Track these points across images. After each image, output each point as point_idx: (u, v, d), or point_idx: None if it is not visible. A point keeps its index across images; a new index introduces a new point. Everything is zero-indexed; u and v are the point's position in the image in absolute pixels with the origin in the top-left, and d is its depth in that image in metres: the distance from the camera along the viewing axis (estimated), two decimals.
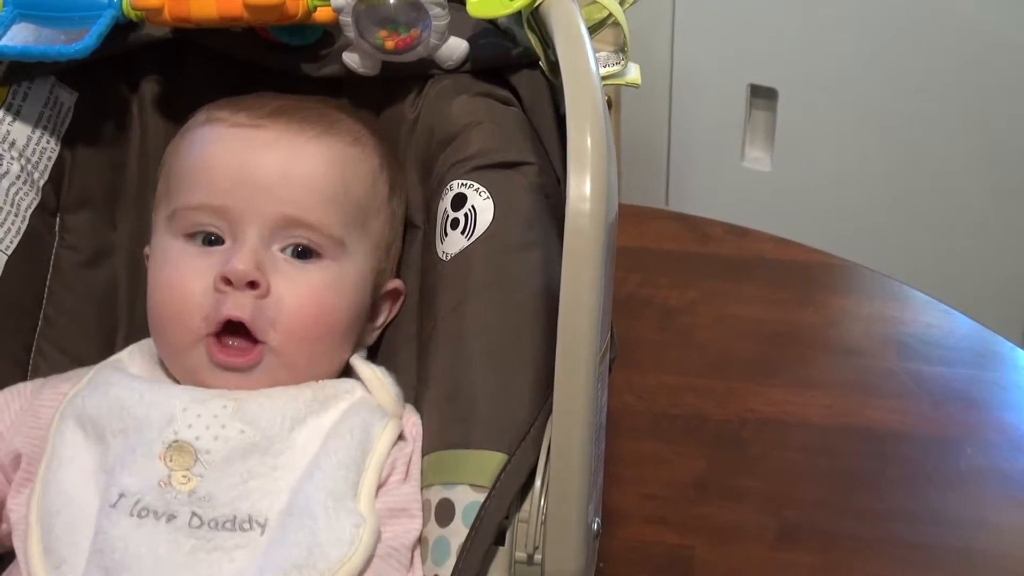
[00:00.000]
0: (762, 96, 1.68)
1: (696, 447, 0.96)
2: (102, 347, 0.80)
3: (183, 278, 0.72)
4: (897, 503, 0.90)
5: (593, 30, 0.71)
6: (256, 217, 0.72)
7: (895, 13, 1.54)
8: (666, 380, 1.02)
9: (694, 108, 1.73)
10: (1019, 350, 1.04)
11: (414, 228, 0.81)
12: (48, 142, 0.79)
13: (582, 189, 0.60)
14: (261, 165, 0.73)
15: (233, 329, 0.71)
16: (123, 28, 0.75)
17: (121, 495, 0.66)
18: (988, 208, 1.62)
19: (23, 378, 0.77)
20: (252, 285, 0.70)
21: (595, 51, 0.69)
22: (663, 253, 1.17)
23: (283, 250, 0.73)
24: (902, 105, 1.59)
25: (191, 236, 0.73)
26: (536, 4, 0.68)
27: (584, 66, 0.64)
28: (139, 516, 0.65)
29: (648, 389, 1.01)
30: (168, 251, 0.74)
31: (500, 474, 0.63)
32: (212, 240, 0.73)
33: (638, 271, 1.13)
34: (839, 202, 1.68)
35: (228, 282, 0.70)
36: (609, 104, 1.77)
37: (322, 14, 0.73)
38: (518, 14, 0.69)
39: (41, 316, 0.79)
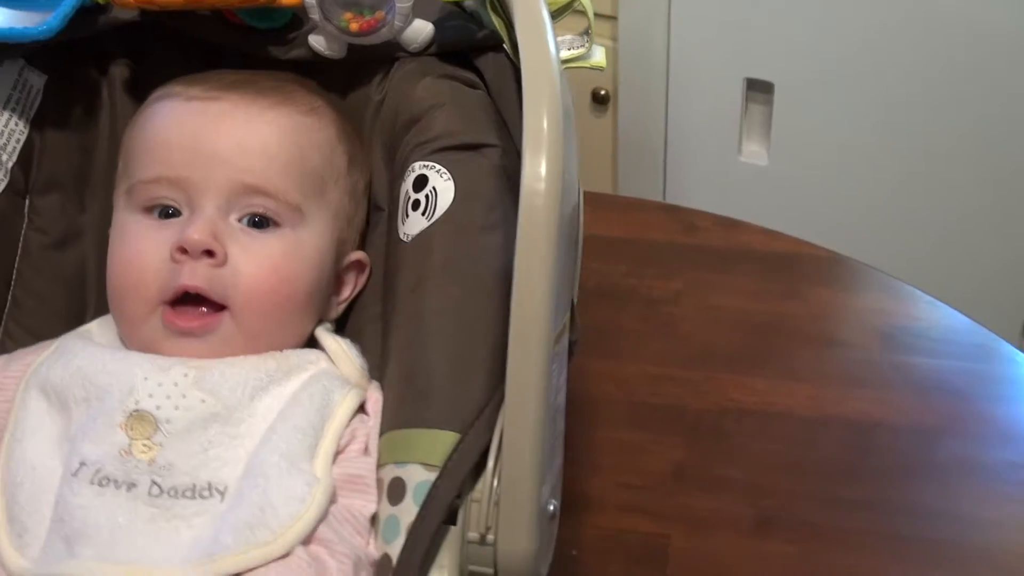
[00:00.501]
0: (758, 90, 1.68)
1: (675, 437, 0.96)
2: (71, 328, 0.79)
3: (140, 250, 0.73)
4: (877, 494, 0.90)
5: (557, 14, 0.71)
6: (212, 187, 0.72)
7: (892, 5, 1.53)
8: (647, 370, 1.02)
9: (691, 102, 1.73)
10: (1004, 342, 1.04)
11: (379, 211, 0.81)
12: (17, 124, 0.79)
13: (537, 169, 0.60)
14: (216, 135, 0.73)
15: (190, 300, 0.71)
16: (90, 11, 0.75)
17: (82, 464, 0.66)
18: (985, 202, 1.61)
19: None
20: (208, 254, 0.71)
21: (559, 35, 0.70)
22: (649, 243, 1.17)
23: (240, 219, 0.73)
24: (899, 98, 1.59)
25: (148, 210, 0.74)
26: None
27: (542, 48, 0.64)
28: (100, 485, 0.65)
29: (628, 378, 1.01)
30: (126, 225, 0.75)
31: (452, 453, 0.63)
32: (169, 213, 0.73)
33: (623, 261, 1.14)
34: (837, 196, 1.67)
35: (184, 251, 0.71)
36: (607, 98, 1.79)
37: None
38: None
39: (9, 298, 0.79)
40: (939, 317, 1.07)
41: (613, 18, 1.75)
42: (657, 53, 1.71)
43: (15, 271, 0.80)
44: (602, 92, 1.82)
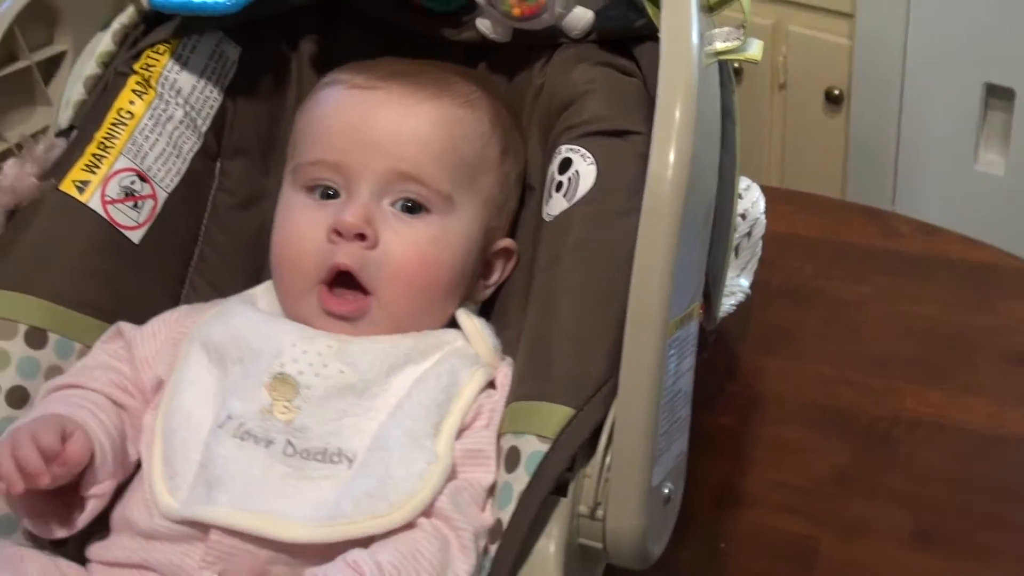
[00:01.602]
0: (999, 96, 1.61)
1: (841, 441, 0.95)
2: (248, 285, 0.84)
3: (300, 228, 0.76)
4: None
5: (716, 7, 0.71)
6: (369, 172, 0.75)
7: None
8: (823, 372, 1.01)
9: (927, 106, 1.67)
10: None
11: (531, 190, 0.82)
12: (212, 92, 0.84)
13: (665, 157, 0.62)
14: (375, 123, 0.76)
15: (343, 279, 0.74)
16: None
17: (228, 417, 0.70)
18: None
19: (172, 307, 0.81)
20: (360, 237, 0.74)
21: (717, 27, 0.70)
22: (843, 245, 1.15)
23: (393, 204, 0.75)
24: None
25: (310, 189, 0.77)
26: None
27: (684, 38, 0.64)
28: (241, 439, 0.69)
29: (802, 379, 1.01)
30: (289, 202, 0.78)
31: (565, 428, 0.64)
32: (329, 194, 0.76)
33: (813, 261, 1.13)
34: None
35: (339, 233, 0.74)
36: (840, 98, 1.75)
37: None
38: None
39: (196, 252, 0.84)
40: None
41: (851, 16, 1.71)
42: (894, 53, 1.66)
43: (203, 228, 0.84)
44: (836, 92, 1.78)
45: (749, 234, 1.01)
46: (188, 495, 0.68)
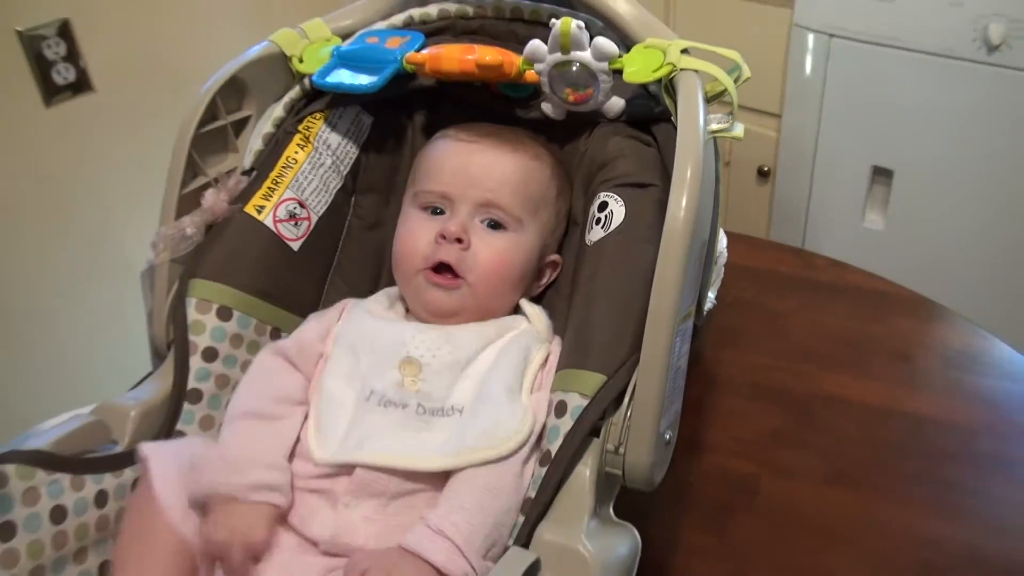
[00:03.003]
0: (881, 174, 1.61)
1: (776, 409, 0.94)
2: (370, 285, 0.85)
3: (416, 232, 0.77)
4: (924, 469, 0.86)
5: (712, 99, 0.71)
6: (467, 199, 0.76)
7: (991, 118, 1.45)
8: (762, 361, 1.01)
9: (830, 180, 1.67)
10: None
11: (575, 224, 0.83)
12: (351, 147, 0.84)
13: (679, 204, 0.62)
14: (472, 165, 0.76)
15: (443, 269, 0.75)
16: (404, 78, 0.79)
17: (371, 392, 0.70)
18: None
19: (318, 300, 0.82)
20: (459, 241, 0.74)
21: (712, 112, 0.70)
22: (776, 273, 1.15)
23: (482, 221, 0.76)
24: (993, 188, 1.50)
25: (424, 208, 0.78)
26: (671, 76, 0.69)
27: (694, 124, 0.64)
28: (383, 406, 0.69)
29: (748, 366, 1.00)
30: (409, 215, 0.79)
31: (600, 389, 0.64)
32: (437, 211, 0.77)
33: (757, 284, 1.12)
34: (931, 254, 1.58)
35: (444, 237, 0.74)
36: (768, 173, 1.75)
37: (529, 75, 0.75)
38: (660, 81, 0.70)
39: (336, 259, 0.84)
40: (990, 347, 1.01)
41: (779, 116, 1.72)
42: (808, 143, 1.66)
43: (341, 242, 0.85)
44: (765, 168, 1.79)
45: (715, 263, 1.01)
46: (338, 447, 0.67)
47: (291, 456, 0.69)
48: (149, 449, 0.66)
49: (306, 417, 0.71)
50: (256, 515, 0.64)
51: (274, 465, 0.67)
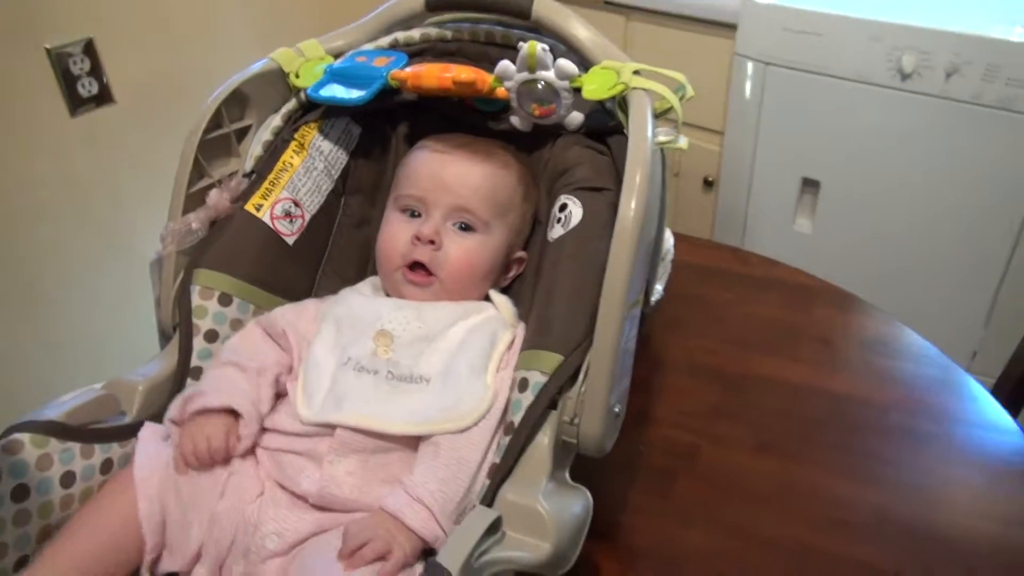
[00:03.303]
0: (810, 185, 1.62)
1: (714, 387, 0.95)
2: (359, 275, 0.84)
3: (395, 233, 0.76)
4: (841, 440, 0.87)
5: (659, 115, 0.71)
6: (440, 204, 0.75)
7: (905, 137, 1.47)
8: (703, 345, 1.01)
9: (765, 190, 1.68)
10: (944, 355, 0.98)
11: (539, 223, 0.82)
12: (341, 154, 0.83)
13: (628, 205, 0.62)
14: (446, 174, 0.76)
15: (418, 266, 0.74)
16: (389, 92, 0.78)
17: (348, 359, 0.69)
18: (954, 267, 1.51)
19: (311, 288, 0.81)
20: (431, 242, 0.74)
21: (658, 126, 0.70)
22: (716, 268, 1.15)
23: (453, 224, 0.75)
24: (906, 197, 1.51)
25: (403, 210, 0.77)
26: (624, 93, 0.69)
27: (643, 136, 0.64)
28: (357, 371, 0.68)
29: (691, 349, 1.00)
30: (390, 218, 0.78)
31: (558, 368, 0.64)
32: (414, 214, 0.76)
33: (699, 278, 1.12)
34: (854, 254, 1.59)
35: (419, 239, 0.74)
36: (712, 183, 1.76)
37: (500, 92, 0.75)
38: (614, 98, 0.70)
39: (327, 253, 0.83)
40: (902, 335, 1.02)
41: (721, 133, 1.72)
42: (746, 157, 1.67)
43: (332, 238, 0.84)
44: (710, 179, 1.79)
45: (664, 259, 1.01)
46: (320, 408, 0.67)
47: (279, 417, 0.69)
48: (145, 429, 0.65)
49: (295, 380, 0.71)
50: (216, 425, 0.65)
51: (237, 392, 0.68)
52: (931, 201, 1.48)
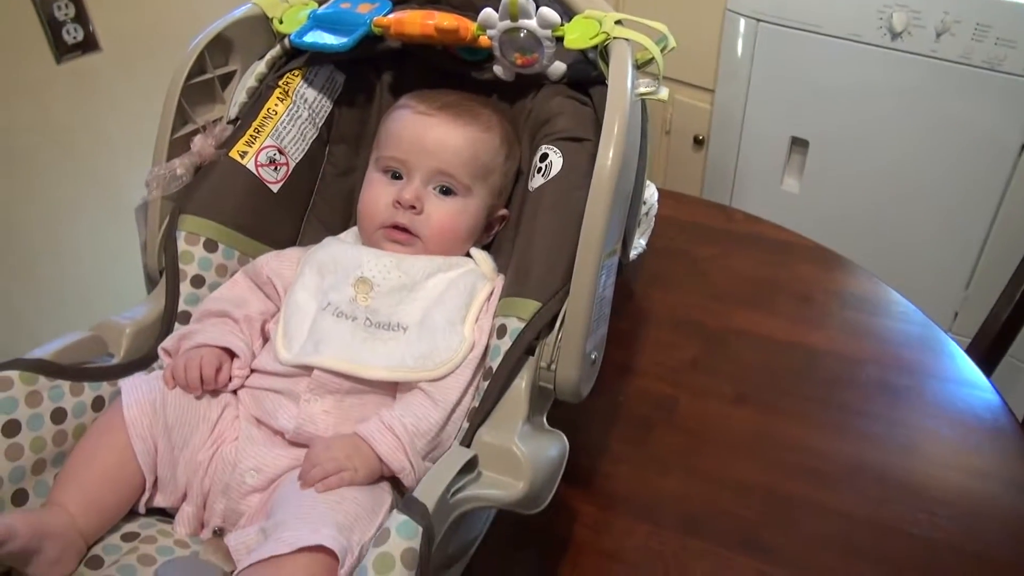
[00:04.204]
0: (798, 144, 1.62)
1: (695, 341, 0.96)
2: (342, 223, 0.84)
3: (377, 195, 0.76)
4: (818, 393, 0.88)
5: (641, 66, 0.71)
6: (422, 167, 0.75)
7: (894, 96, 1.47)
8: (685, 299, 1.02)
9: (754, 149, 1.68)
10: (923, 313, 0.99)
11: (521, 174, 0.82)
12: (326, 102, 0.83)
13: (607, 155, 0.62)
14: (428, 137, 0.75)
15: (400, 228, 0.75)
16: (372, 40, 0.78)
17: (328, 303, 0.70)
18: (936, 227, 1.53)
19: (296, 236, 0.81)
20: (412, 207, 0.74)
21: (640, 77, 0.70)
22: (700, 224, 1.16)
23: (434, 188, 0.75)
24: (893, 158, 1.51)
25: (385, 171, 0.77)
26: (605, 43, 0.69)
27: (622, 86, 0.64)
28: (336, 316, 0.69)
29: (672, 303, 1.01)
30: (372, 178, 0.78)
31: (535, 314, 0.65)
32: (396, 176, 0.76)
33: (684, 233, 1.13)
34: (839, 212, 1.60)
35: (400, 203, 0.74)
36: (703, 142, 1.76)
37: (483, 40, 0.75)
38: (596, 48, 0.70)
39: (311, 201, 0.83)
40: (883, 293, 1.03)
41: (712, 91, 1.72)
42: (736, 115, 1.67)
43: (316, 187, 0.84)
44: (700, 137, 1.79)
45: (647, 214, 1.01)
46: (299, 350, 0.68)
47: (261, 357, 0.70)
48: (126, 381, 0.66)
49: (277, 323, 0.72)
50: (210, 355, 0.67)
51: (232, 335, 0.70)
52: (918, 162, 1.49)
